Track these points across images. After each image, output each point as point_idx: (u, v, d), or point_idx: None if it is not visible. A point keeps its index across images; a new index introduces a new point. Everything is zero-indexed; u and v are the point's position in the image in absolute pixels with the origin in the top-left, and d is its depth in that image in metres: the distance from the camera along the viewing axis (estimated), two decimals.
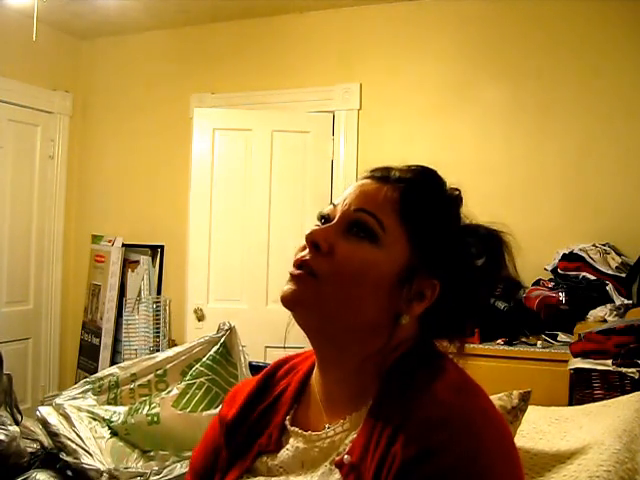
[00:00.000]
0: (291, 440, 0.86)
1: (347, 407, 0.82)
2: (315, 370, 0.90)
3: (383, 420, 0.75)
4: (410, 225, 0.83)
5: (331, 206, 0.87)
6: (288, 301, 0.81)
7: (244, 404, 0.93)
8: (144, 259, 4.18)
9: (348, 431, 0.81)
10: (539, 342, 2.87)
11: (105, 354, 4.07)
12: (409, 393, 0.76)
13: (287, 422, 0.88)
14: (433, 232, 0.84)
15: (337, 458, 0.78)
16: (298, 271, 0.82)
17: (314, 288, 0.80)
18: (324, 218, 0.87)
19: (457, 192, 0.89)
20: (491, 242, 0.88)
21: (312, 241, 0.81)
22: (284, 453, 0.85)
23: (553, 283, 3.06)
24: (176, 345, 3.44)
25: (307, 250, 0.82)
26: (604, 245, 3.07)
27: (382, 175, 0.87)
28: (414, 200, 0.84)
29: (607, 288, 2.90)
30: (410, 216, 0.83)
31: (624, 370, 2.28)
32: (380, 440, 0.73)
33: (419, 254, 0.83)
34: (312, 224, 0.88)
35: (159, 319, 4.08)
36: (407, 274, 0.82)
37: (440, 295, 0.83)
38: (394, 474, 0.69)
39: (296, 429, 0.86)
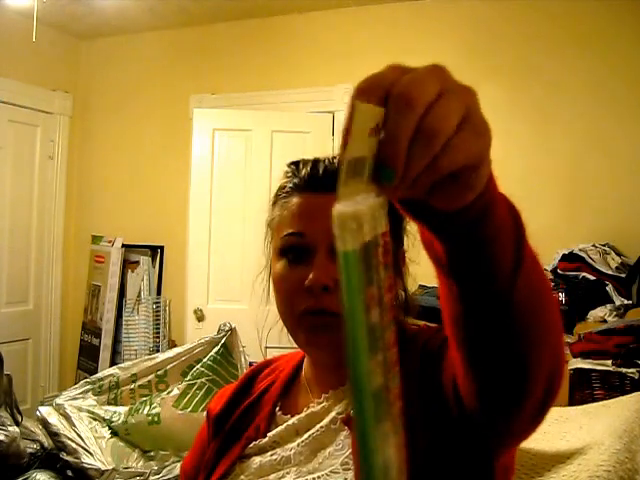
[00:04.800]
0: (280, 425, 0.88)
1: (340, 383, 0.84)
2: (308, 366, 0.92)
3: None
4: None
5: (293, 236, 0.85)
6: (333, 350, 0.80)
7: (230, 399, 0.96)
8: (144, 260, 4.18)
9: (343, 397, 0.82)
10: None
11: (105, 355, 4.07)
12: None
13: (277, 410, 0.90)
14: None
15: (344, 415, 0.79)
16: (322, 319, 0.80)
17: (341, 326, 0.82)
18: (295, 251, 0.84)
19: None
20: None
21: (323, 285, 0.79)
22: (275, 431, 0.86)
23: (553, 283, 3.06)
24: (176, 346, 3.44)
25: (311, 293, 0.80)
26: (604, 245, 3.07)
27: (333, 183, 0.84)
28: None
29: (607, 288, 2.89)
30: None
31: (624, 370, 2.28)
32: None
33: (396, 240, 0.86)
34: None
35: (159, 320, 4.08)
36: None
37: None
38: None
39: (286, 415, 0.88)
